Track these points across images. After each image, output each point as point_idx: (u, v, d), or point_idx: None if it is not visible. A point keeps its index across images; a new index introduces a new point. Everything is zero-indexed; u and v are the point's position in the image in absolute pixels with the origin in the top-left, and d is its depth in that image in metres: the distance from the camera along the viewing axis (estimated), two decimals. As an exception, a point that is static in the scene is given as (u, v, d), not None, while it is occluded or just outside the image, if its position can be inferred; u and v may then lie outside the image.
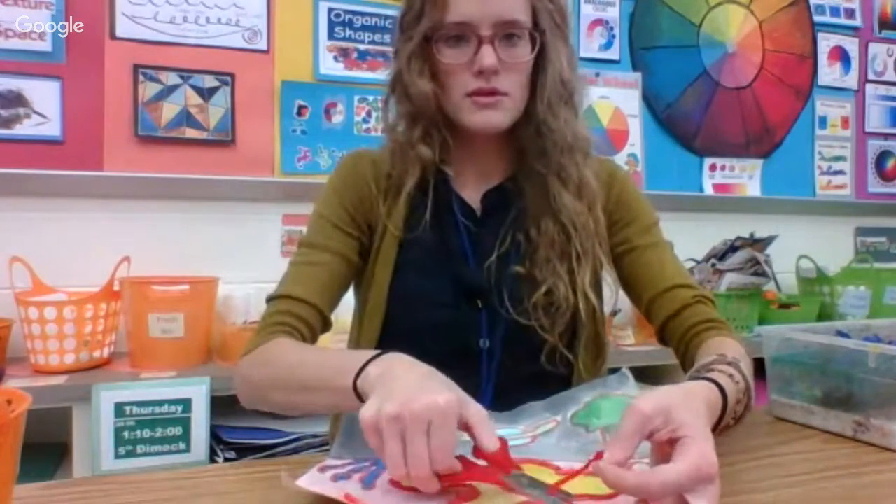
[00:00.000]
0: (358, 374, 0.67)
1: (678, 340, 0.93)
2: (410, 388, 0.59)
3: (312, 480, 0.63)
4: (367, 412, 0.58)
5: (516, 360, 0.92)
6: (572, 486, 0.61)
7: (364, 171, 0.97)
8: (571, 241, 0.92)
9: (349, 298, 1.00)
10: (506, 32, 0.87)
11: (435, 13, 0.87)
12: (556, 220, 0.93)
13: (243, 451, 1.49)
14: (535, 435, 0.76)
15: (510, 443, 0.64)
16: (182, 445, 1.45)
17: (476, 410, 0.60)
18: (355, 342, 0.99)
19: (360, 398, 0.66)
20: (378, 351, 0.70)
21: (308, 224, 0.97)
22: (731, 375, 0.72)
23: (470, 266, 0.93)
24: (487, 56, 0.86)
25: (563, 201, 0.92)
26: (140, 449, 1.42)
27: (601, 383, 0.82)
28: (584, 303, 0.92)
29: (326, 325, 0.93)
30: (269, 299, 0.92)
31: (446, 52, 0.89)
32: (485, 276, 0.92)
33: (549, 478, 0.64)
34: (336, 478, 0.63)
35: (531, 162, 0.94)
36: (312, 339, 0.90)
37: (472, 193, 0.97)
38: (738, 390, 0.71)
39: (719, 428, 0.68)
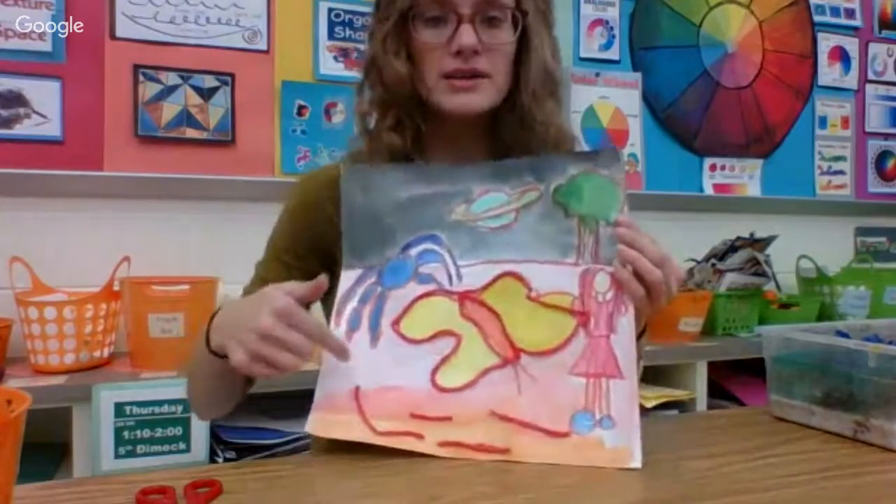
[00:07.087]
0: (208, 337, 0.79)
1: None
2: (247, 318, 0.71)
3: (325, 401, 0.77)
4: (237, 356, 0.71)
5: None
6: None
7: (318, 193, 0.92)
8: None
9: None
10: (487, 12, 0.84)
11: None
12: None
13: (243, 451, 1.48)
14: (518, 208, 0.81)
15: (495, 212, 0.80)
16: (182, 445, 1.44)
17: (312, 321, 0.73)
18: None
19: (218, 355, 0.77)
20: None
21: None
22: None
23: None
24: (466, 34, 0.82)
25: None
26: (140, 449, 1.42)
27: (591, 157, 0.82)
28: None
29: None
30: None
31: (424, 32, 0.84)
32: None
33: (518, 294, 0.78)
34: (349, 323, 0.79)
35: (515, 156, 0.89)
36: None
37: None
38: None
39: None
